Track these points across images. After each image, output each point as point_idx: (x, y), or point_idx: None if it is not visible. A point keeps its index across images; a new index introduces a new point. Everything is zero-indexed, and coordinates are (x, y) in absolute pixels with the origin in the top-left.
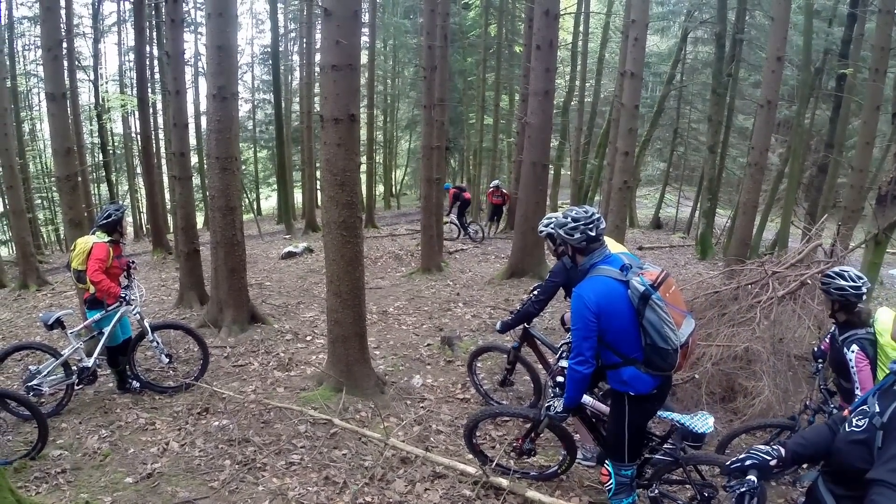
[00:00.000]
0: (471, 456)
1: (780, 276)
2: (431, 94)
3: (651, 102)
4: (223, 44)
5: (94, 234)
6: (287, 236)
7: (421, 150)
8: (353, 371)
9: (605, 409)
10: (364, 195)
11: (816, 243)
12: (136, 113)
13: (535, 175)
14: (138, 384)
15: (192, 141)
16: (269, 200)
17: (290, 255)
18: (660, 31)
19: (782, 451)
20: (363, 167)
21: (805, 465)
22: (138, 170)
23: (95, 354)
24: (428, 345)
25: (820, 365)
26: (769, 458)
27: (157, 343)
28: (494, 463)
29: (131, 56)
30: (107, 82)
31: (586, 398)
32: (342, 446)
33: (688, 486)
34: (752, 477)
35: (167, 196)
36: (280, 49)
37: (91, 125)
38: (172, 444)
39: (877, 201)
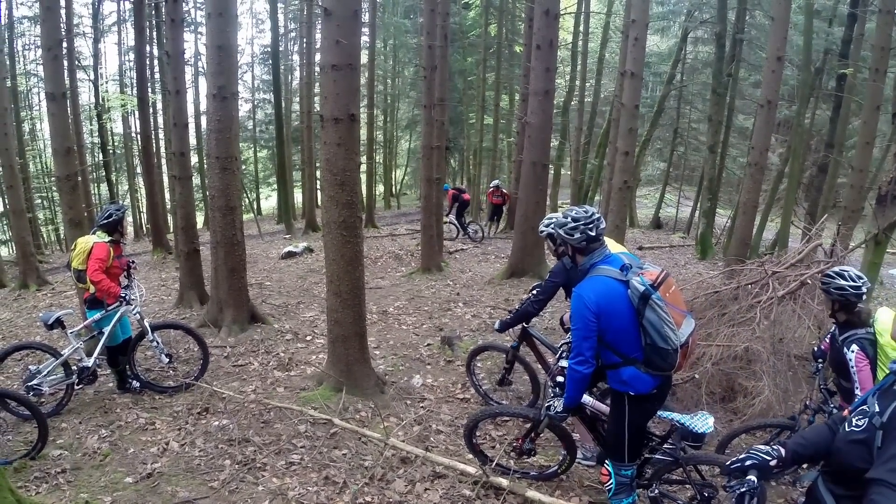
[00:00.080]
0: (471, 456)
1: (780, 276)
2: (431, 93)
3: (651, 102)
4: (223, 43)
5: (94, 233)
6: (287, 236)
7: (421, 149)
8: (353, 371)
9: (604, 408)
10: (364, 195)
11: (816, 243)
12: (136, 113)
13: (535, 175)
14: (138, 384)
15: (192, 141)
16: (269, 200)
17: (290, 254)
18: (660, 30)
19: (782, 451)
20: (363, 167)
21: (805, 465)
22: (138, 169)
23: (95, 354)
24: (428, 345)
25: (820, 365)
26: (769, 458)
27: (157, 343)
28: (494, 463)
29: (131, 56)
30: (107, 82)
31: (586, 398)
32: (342, 446)
33: (688, 486)
34: (752, 477)
35: (167, 196)
36: (280, 49)
37: (91, 125)
38: (172, 443)
39: (877, 201)
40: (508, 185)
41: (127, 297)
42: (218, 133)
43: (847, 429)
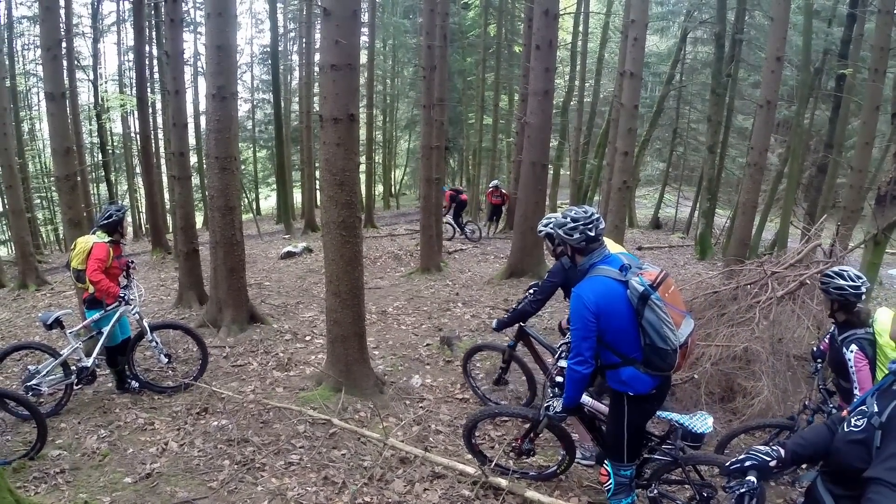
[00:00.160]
0: (470, 456)
1: (779, 277)
2: (431, 93)
3: (650, 102)
4: (222, 43)
5: (94, 233)
6: (286, 236)
7: (420, 149)
8: (352, 371)
9: (603, 409)
10: (363, 195)
11: (816, 243)
12: (136, 112)
13: (534, 175)
14: (137, 384)
15: (192, 141)
16: (268, 200)
17: (289, 254)
18: (659, 31)
19: (782, 451)
20: (362, 167)
21: (804, 466)
22: (137, 169)
23: (94, 354)
24: (427, 345)
25: (819, 365)
26: (769, 458)
27: (156, 343)
28: (493, 463)
29: (131, 56)
30: (106, 82)
31: (585, 398)
32: (341, 446)
33: (687, 486)
34: (751, 478)
35: (166, 196)
36: (279, 49)
37: (90, 125)
38: (171, 444)
39: (876, 201)
40: (508, 186)
41: (126, 297)
42: (217, 133)
43: (846, 429)
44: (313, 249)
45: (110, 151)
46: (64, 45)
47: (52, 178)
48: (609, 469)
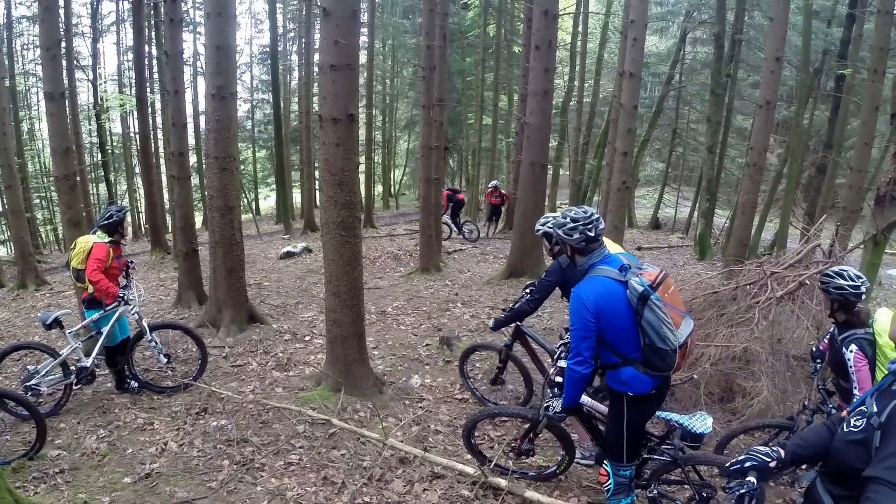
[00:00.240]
0: (469, 456)
1: (778, 277)
2: (430, 94)
3: (650, 103)
4: (222, 43)
5: (94, 233)
6: (286, 236)
7: (420, 150)
8: (351, 371)
9: (603, 409)
10: (362, 195)
11: (815, 244)
12: (135, 112)
13: (533, 175)
14: (136, 384)
15: (191, 141)
16: (267, 200)
17: (288, 254)
18: (659, 31)
19: (781, 452)
20: (362, 167)
21: (804, 466)
22: (137, 169)
23: (94, 354)
24: (426, 345)
25: (818, 365)
26: (768, 459)
27: (156, 343)
28: (493, 463)
29: (130, 56)
30: (105, 82)
31: (585, 398)
32: (341, 446)
33: (686, 486)
34: (751, 478)
35: (166, 196)
36: (279, 49)
37: (90, 125)
38: (171, 444)
39: (875, 202)
40: (507, 186)
41: (125, 297)
42: (216, 133)
43: (845, 429)
44: (312, 249)
45: (110, 151)
46: (63, 44)
47: (51, 178)
48: (608, 469)
